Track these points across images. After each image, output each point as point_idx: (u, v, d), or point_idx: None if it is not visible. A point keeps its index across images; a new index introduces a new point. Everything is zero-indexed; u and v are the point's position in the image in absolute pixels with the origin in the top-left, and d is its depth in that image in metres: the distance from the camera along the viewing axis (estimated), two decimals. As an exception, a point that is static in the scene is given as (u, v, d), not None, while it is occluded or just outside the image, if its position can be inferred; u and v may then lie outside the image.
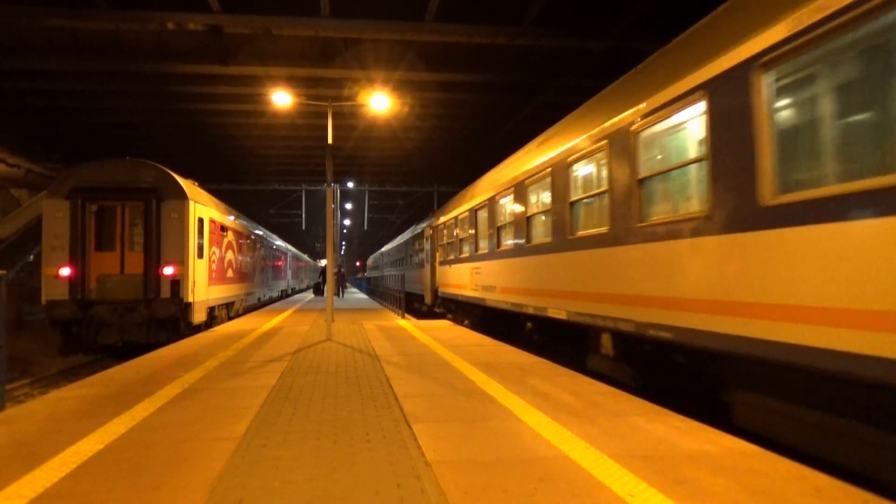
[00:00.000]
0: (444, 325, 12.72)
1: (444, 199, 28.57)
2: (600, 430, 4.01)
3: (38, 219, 16.99)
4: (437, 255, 17.32)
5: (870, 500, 2.75)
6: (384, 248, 39.65)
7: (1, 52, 13.16)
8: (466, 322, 14.38)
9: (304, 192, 40.98)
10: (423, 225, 20.42)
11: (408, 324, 13.02)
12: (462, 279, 13.63)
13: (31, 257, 24.79)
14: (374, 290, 29.31)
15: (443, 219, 16.35)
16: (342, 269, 34.83)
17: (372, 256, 57.12)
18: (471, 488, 2.97)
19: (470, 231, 12.95)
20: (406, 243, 25.58)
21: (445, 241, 15.99)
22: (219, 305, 15.81)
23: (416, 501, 2.82)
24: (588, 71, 14.48)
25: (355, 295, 35.38)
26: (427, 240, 19.14)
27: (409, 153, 25.16)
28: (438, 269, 17.07)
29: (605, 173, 6.47)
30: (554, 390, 5.40)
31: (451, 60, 14.40)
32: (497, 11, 12.86)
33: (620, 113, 6.09)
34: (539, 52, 14.41)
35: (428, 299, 18.64)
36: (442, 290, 16.32)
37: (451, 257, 15.12)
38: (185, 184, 13.04)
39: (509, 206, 10.05)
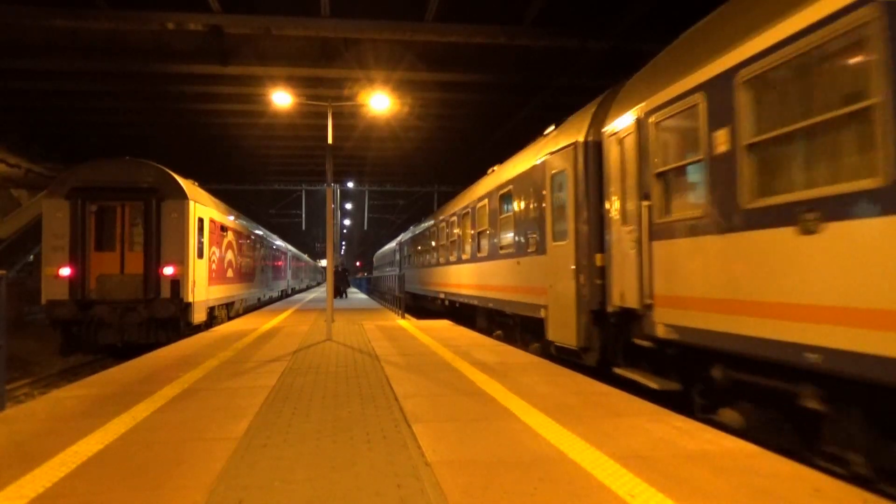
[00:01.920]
0: (444, 324, 12.71)
1: (445, 199, 28.25)
2: (600, 430, 4.01)
3: (38, 219, 16.96)
4: (647, 210, 5.79)
5: (869, 500, 2.75)
6: (406, 236, 27.13)
7: (1, 52, 13.16)
8: None
9: (304, 192, 41.09)
10: (549, 150, 8.26)
11: (408, 324, 13.02)
12: None
13: (31, 257, 24.79)
14: (384, 292, 25.67)
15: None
16: (345, 268, 34.62)
17: (379, 252, 45.51)
18: (471, 488, 2.97)
19: None
20: (467, 214, 14.01)
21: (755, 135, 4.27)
22: (219, 305, 15.81)
23: (417, 501, 2.82)
24: (588, 71, 14.45)
25: (356, 295, 35.38)
26: (553, 184, 8.05)
27: (409, 153, 25.15)
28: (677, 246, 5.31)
29: None
30: (554, 390, 5.40)
31: (451, 60, 14.38)
32: (497, 11, 12.86)
33: None
34: (539, 52, 14.39)
35: (571, 336, 7.26)
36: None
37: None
38: (185, 184, 13.04)
39: None
